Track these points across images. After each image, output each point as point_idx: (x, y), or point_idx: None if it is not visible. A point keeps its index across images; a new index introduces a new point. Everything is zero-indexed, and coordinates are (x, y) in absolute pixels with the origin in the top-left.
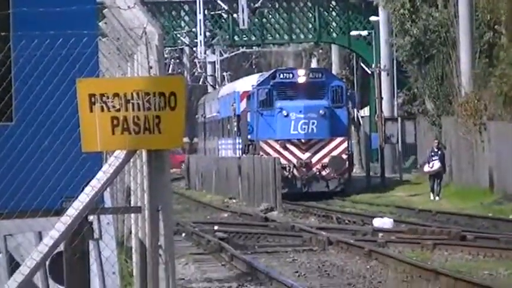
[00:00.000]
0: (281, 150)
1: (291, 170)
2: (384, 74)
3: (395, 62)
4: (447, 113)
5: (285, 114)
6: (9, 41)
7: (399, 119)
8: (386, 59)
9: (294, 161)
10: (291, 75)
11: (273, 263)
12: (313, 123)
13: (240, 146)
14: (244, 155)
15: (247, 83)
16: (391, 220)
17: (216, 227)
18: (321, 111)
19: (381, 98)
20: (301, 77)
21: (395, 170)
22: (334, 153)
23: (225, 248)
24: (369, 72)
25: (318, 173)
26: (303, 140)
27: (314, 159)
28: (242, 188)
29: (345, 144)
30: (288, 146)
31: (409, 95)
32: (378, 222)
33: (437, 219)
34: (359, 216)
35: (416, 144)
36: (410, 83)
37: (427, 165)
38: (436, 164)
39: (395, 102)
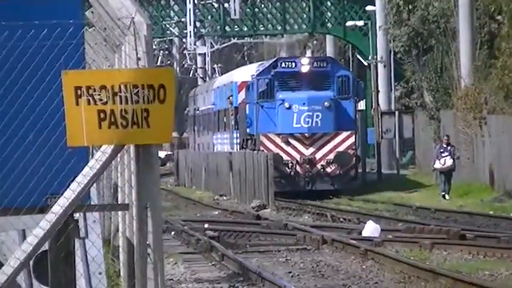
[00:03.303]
0: (283, 145)
1: (294, 166)
2: (380, 66)
3: (392, 53)
4: (446, 106)
5: (287, 106)
6: None
7: (396, 112)
8: (383, 51)
9: (297, 157)
10: (293, 64)
11: (265, 262)
12: (317, 116)
13: (238, 141)
14: (242, 150)
15: (246, 72)
16: (378, 228)
17: (206, 225)
18: (326, 103)
19: (378, 91)
20: (304, 66)
21: (393, 166)
22: (340, 148)
23: (215, 247)
24: (365, 64)
25: (322, 170)
26: (306, 134)
27: (318, 155)
28: (233, 185)
29: (352, 139)
30: (291, 140)
31: (407, 87)
32: (367, 232)
33: (436, 217)
34: (354, 214)
35: (414, 139)
36: (408, 75)
37: (437, 161)
38: (448, 161)
39: (393, 96)
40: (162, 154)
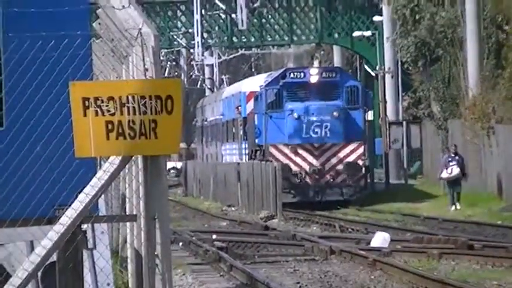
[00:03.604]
0: (292, 155)
1: (303, 177)
2: (388, 77)
3: (399, 63)
4: (454, 116)
5: (296, 116)
6: None
7: (404, 122)
8: (390, 61)
9: (306, 167)
10: (302, 75)
11: (274, 273)
12: (326, 126)
13: (247, 151)
14: (251, 160)
15: (254, 83)
16: (388, 237)
17: (214, 236)
18: (335, 113)
19: (385, 101)
20: (313, 76)
21: (400, 176)
22: (350, 159)
23: (223, 257)
24: (373, 74)
25: (331, 180)
26: (315, 145)
27: (328, 166)
28: (241, 195)
29: (361, 149)
30: (300, 151)
31: (415, 98)
32: (376, 242)
33: (444, 227)
34: (363, 225)
35: (422, 149)
36: (416, 85)
37: (444, 171)
38: (455, 170)
39: (400, 106)
40: (178, 165)
